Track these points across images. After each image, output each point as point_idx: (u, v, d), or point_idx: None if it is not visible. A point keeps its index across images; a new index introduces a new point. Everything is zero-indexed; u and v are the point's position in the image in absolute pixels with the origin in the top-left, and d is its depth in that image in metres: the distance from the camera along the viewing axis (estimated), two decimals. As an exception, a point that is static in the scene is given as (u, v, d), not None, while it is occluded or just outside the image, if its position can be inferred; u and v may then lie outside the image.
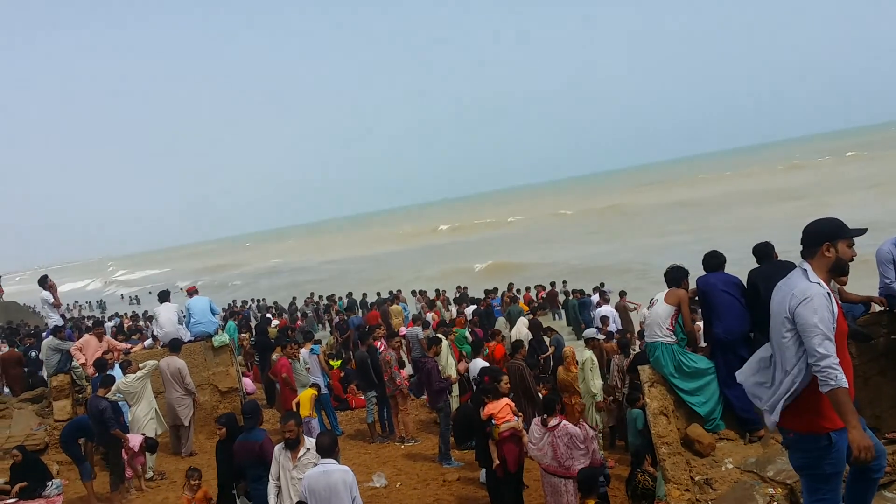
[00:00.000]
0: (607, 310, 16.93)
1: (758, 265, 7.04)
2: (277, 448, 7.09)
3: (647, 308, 7.47)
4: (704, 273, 7.24)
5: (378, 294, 28.37)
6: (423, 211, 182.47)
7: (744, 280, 6.99)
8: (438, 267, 46.85)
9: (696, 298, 7.47)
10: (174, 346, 12.97)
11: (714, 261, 7.19)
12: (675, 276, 7.27)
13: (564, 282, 24.52)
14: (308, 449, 6.95)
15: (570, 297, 20.48)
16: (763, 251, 7.14)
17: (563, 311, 22.55)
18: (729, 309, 6.85)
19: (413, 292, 26.48)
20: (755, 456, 6.46)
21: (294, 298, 33.39)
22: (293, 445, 6.99)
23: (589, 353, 10.87)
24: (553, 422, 7.97)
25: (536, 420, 8.22)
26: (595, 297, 20.31)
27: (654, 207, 66.72)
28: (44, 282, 15.01)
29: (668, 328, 6.97)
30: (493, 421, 8.60)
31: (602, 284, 23.38)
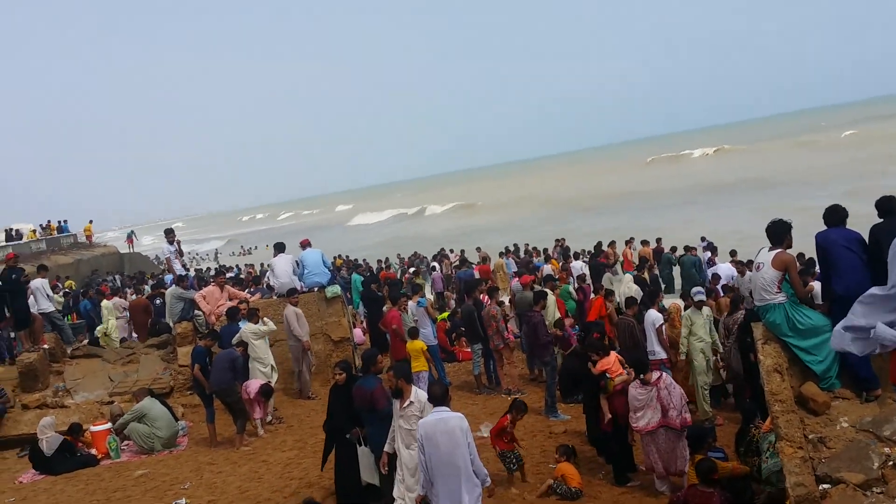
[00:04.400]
0: (722, 268, 16.58)
1: (880, 220, 6.78)
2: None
3: (754, 270, 7.28)
4: (824, 228, 6.99)
5: (478, 250, 28.58)
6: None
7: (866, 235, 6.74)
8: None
9: (806, 258, 7.26)
10: (290, 294, 13.60)
11: (835, 216, 6.91)
12: (778, 232, 6.98)
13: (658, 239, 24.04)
14: (411, 402, 7.12)
15: (685, 254, 20.15)
16: (887, 206, 6.81)
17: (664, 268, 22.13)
18: (849, 265, 6.62)
19: (507, 249, 26.59)
20: (871, 415, 6.31)
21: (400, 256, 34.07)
22: (396, 395, 7.23)
23: (689, 312, 10.76)
24: (654, 376, 8.01)
25: (635, 384, 8.19)
26: (707, 255, 19.96)
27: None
28: (169, 234, 15.85)
29: (776, 290, 6.81)
30: (608, 375, 8.68)
31: (703, 239, 22.94)
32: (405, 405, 7.12)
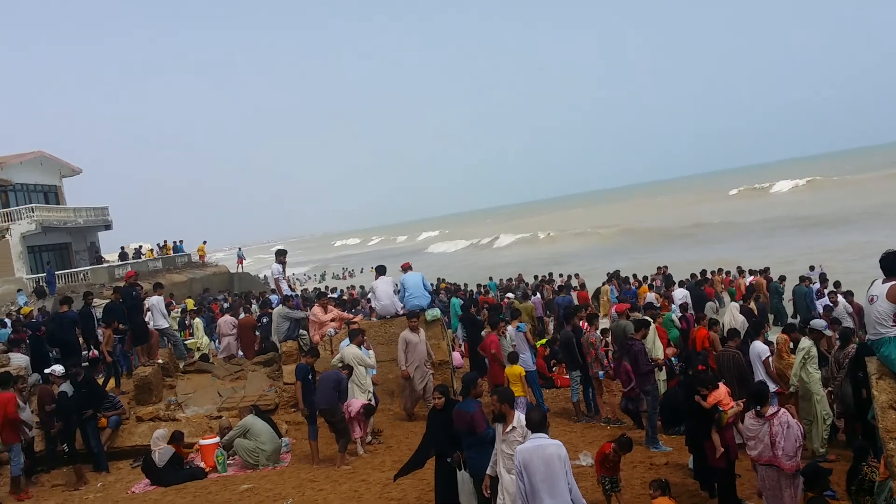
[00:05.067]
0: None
1: None
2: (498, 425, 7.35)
3: (867, 303, 6.95)
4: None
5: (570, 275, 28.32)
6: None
7: None
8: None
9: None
10: (409, 317, 13.84)
11: None
12: (891, 263, 6.67)
13: (768, 268, 23.30)
14: (514, 427, 7.10)
15: (799, 284, 19.52)
16: None
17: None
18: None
19: (609, 275, 26.33)
20: None
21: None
22: (499, 420, 7.22)
23: (808, 343, 10.36)
24: (771, 410, 7.73)
25: (750, 413, 7.95)
26: (817, 286, 19.26)
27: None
28: (280, 255, 16.37)
29: (891, 323, 6.51)
30: (720, 408, 8.46)
31: (812, 268, 22.14)
32: (507, 430, 7.13)
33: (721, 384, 8.76)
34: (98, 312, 16.07)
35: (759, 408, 7.75)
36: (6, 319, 20.54)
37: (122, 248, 43.99)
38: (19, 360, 14.59)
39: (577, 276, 28.17)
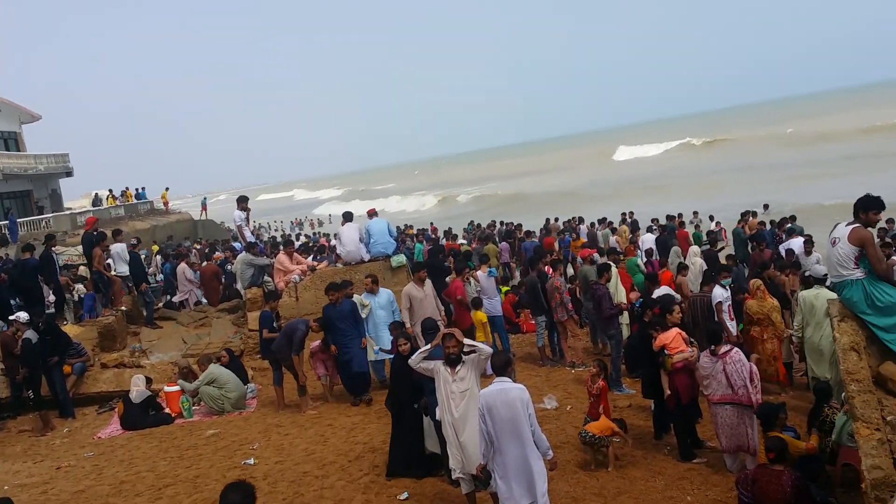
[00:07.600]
0: (794, 243, 15.99)
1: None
2: (437, 363, 7.26)
3: (830, 245, 6.97)
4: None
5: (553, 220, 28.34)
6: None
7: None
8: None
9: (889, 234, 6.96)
10: (415, 269, 12.80)
11: None
12: (858, 206, 6.64)
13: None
14: (463, 363, 7.08)
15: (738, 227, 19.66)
16: None
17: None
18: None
19: (580, 219, 26.61)
20: (954, 397, 6.06)
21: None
22: (454, 362, 7.15)
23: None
24: (723, 349, 7.88)
25: (705, 352, 8.11)
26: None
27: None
28: (242, 201, 16.12)
29: (853, 266, 6.55)
30: (666, 351, 8.56)
31: (766, 206, 22.77)
32: (458, 369, 7.08)
33: (674, 329, 8.82)
34: (60, 259, 15.84)
35: (713, 347, 7.92)
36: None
37: (96, 193, 43.84)
38: (-20, 307, 14.32)
39: (556, 219, 28.19)
